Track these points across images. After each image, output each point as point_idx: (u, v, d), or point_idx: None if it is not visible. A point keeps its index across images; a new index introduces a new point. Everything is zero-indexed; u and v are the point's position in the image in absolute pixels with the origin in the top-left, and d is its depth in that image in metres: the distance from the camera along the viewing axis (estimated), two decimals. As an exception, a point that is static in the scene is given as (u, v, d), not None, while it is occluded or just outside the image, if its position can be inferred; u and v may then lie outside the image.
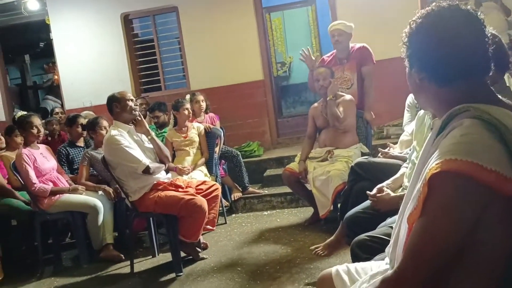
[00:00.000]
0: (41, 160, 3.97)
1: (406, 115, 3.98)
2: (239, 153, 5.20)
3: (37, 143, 4.11)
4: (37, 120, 4.09)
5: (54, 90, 8.39)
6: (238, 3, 6.30)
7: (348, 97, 4.15)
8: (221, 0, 6.33)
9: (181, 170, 4.13)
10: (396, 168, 2.74)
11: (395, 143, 3.72)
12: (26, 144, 4.02)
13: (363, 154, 4.02)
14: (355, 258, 2.05)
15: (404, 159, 2.96)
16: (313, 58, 4.38)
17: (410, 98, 3.94)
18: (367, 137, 4.39)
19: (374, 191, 2.26)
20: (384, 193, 2.18)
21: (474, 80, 1.20)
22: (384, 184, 2.31)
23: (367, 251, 2.01)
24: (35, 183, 3.82)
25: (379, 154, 3.35)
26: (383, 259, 1.55)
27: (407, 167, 2.55)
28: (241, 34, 6.32)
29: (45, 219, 3.98)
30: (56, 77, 8.16)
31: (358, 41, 4.53)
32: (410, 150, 2.74)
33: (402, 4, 5.58)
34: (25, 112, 4.36)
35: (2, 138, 4.33)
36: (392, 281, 1.17)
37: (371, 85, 4.44)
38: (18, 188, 4.16)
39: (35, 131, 3.99)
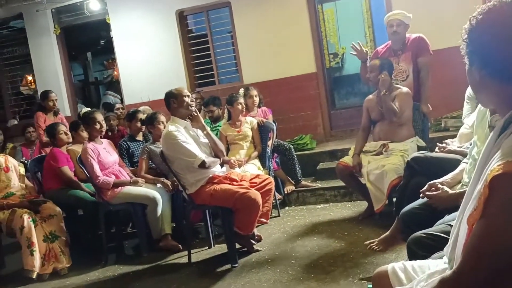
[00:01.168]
0: (104, 154, 4.19)
1: (466, 107, 3.83)
2: (291, 146, 5.22)
3: (100, 137, 4.34)
4: (100, 116, 4.31)
5: (114, 85, 8.78)
6: (290, -5, 6.29)
7: (404, 89, 4.05)
8: (273, -7, 6.34)
9: (233, 164, 4.22)
10: (455, 163, 2.67)
11: (454, 135, 3.60)
12: (91, 139, 4.25)
13: (419, 148, 3.93)
14: (412, 256, 2.03)
15: (463, 154, 2.88)
16: (365, 51, 4.32)
17: (470, 89, 3.79)
18: (424, 130, 4.27)
19: (426, 187, 2.20)
20: (440, 190, 2.13)
21: None
22: (437, 180, 2.25)
23: (424, 248, 1.98)
24: (99, 176, 4.04)
25: (437, 149, 3.27)
26: (441, 258, 1.53)
27: (467, 163, 2.48)
28: (293, 27, 6.30)
29: (108, 210, 4.20)
30: (115, 73, 8.53)
31: (414, 32, 4.41)
32: (470, 145, 2.65)
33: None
34: (89, 109, 4.59)
35: (69, 133, 4.59)
36: (450, 282, 1.16)
37: (428, 76, 4.31)
38: (84, 180, 4.41)
39: (98, 126, 4.21)
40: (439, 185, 2.15)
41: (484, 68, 1.22)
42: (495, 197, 1.07)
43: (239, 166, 4.38)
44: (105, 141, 4.39)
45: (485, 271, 1.09)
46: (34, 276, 3.79)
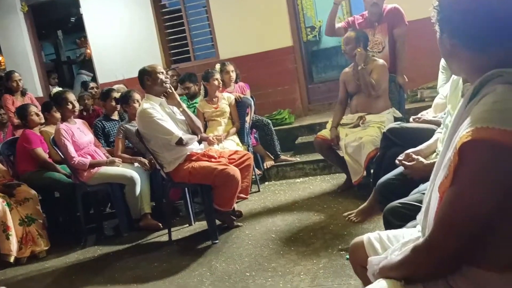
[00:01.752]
0: (78, 134, 4.10)
1: (441, 77, 3.85)
2: (270, 121, 5.21)
3: (74, 118, 4.24)
4: (71, 96, 4.20)
5: (87, 64, 8.55)
6: (265, -33, 6.17)
7: (380, 61, 4.05)
8: (248, -34, 6.21)
9: (211, 141, 4.19)
10: (430, 133, 2.68)
11: (430, 106, 3.62)
12: (64, 119, 4.15)
13: (396, 119, 3.95)
14: (388, 225, 2.06)
15: (438, 124, 2.89)
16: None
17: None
18: (400, 101, 4.29)
19: (402, 156, 2.21)
20: (415, 161, 2.14)
21: (508, 44, 1.15)
22: (412, 150, 2.27)
23: (400, 218, 2.00)
24: (74, 157, 3.97)
25: (411, 119, 3.29)
26: (415, 227, 1.55)
27: (441, 132, 2.49)
28: (268, 0, 6.20)
29: (85, 191, 4.15)
30: (88, 51, 8.30)
31: (389, 2, 4.37)
32: (444, 114, 2.67)
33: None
34: (61, 89, 4.47)
35: (41, 114, 4.47)
36: (423, 250, 1.18)
37: (404, 48, 4.31)
38: (59, 161, 4.33)
39: (70, 106, 4.10)
40: (414, 156, 2.16)
41: (454, 37, 1.21)
42: (465, 164, 1.07)
43: (218, 142, 4.35)
44: (79, 121, 4.30)
45: (456, 238, 1.10)
46: (12, 260, 3.75)
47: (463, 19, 1.18)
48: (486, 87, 1.14)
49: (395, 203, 2.10)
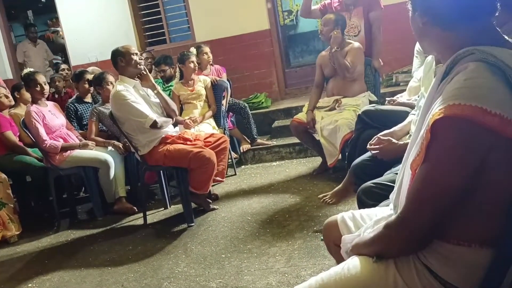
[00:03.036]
0: (50, 117, 4.00)
1: (415, 62, 3.89)
2: (246, 105, 5.19)
3: (44, 100, 4.13)
4: (41, 78, 4.08)
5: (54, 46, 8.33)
6: (242, -52, 6.08)
7: (356, 44, 4.06)
8: None
9: (188, 124, 4.15)
10: (404, 115, 2.71)
11: (404, 90, 3.67)
12: (34, 101, 4.04)
13: (371, 103, 3.98)
14: (361, 205, 2.08)
15: (412, 106, 2.93)
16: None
17: (419, 44, 3.84)
18: (376, 85, 4.33)
19: (374, 140, 2.24)
20: (385, 143, 2.16)
21: (479, 22, 1.16)
22: (385, 132, 2.29)
23: (373, 198, 2.03)
24: (45, 140, 3.87)
25: (386, 102, 3.32)
26: (388, 206, 1.57)
27: (414, 114, 2.53)
28: (245, -18, 6.13)
29: (58, 175, 4.06)
30: (60, 33, 8.07)
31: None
32: (418, 97, 2.70)
33: None
34: (31, 69, 4.33)
35: (10, 96, 4.34)
36: (395, 226, 1.19)
37: (379, 32, 4.33)
38: (30, 145, 4.22)
39: (38, 88, 4.00)
40: (383, 138, 2.18)
41: (426, 15, 1.22)
42: (437, 141, 1.08)
43: (194, 125, 4.31)
44: (50, 103, 4.19)
45: (428, 214, 1.12)
46: (-18, 245, 3.66)
47: None
48: (458, 65, 1.14)
49: (369, 183, 2.13)
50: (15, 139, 4.22)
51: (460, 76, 1.10)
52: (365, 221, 1.55)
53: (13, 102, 4.37)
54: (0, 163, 4.08)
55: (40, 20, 9.77)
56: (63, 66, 6.12)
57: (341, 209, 3.25)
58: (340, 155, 3.91)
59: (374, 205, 1.86)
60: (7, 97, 4.30)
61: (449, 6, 1.16)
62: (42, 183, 4.14)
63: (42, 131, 3.87)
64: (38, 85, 3.98)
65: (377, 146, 2.17)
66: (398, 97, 3.37)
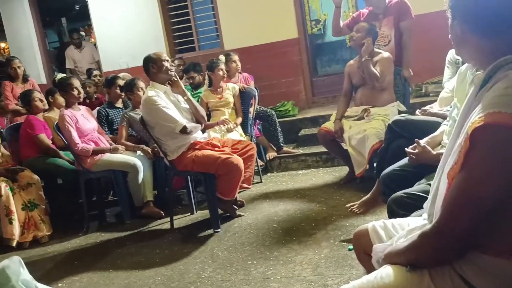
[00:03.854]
0: (82, 121, 4.11)
1: (447, 72, 3.85)
2: (273, 113, 5.21)
3: (78, 104, 4.24)
4: (76, 82, 4.20)
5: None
6: (272, -42, 6.13)
7: (385, 54, 4.04)
8: (255, -44, 6.17)
9: (224, 121, 4.21)
10: (435, 125, 2.69)
11: (434, 101, 3.63)
12: (68, 105, 4.15)
13: (400, 113, 3.93)
14: (392, 215, 2.06)
15: (443, 117, 2.89)
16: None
17: (451, 54, 3.80)
18: (405, 95, 4.29)
19: (411, 147, 2.23)
20: (421, 149, 2.16)
21: None
22: (422, 140, 2.27)
23: (404, 208, 2.01)
24: (77, 143, 3.97)
25: (417, 111, 3.28)
26: (420, 216, 1.55)
27: (447, 125, 2.50)
28: (275, -8, 6.18)
29: (88, 178, 4.16)
30: (92, 39, 8.29)
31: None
32: (450, 108, 2.67)
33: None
34: (65, 74, 4.46)
35: (44, 100, 4.47)
36: (431, 235, 1.18)
37: (410, 41, 4.29)
38: (62, 148, 4.33)
39: (75, 92, 4.11)
40: (422, 143, 2.17)
41: (466, 22, 1.21)
42: (476, 149, 1.07)
43: (228, 124, 4.32)
44: (83, 107, 4.30)
45: (465, 222, 1.10)
46: (14, 244, 3.75)
47: (475, 5, 1.18)
48: (498, 74, 1.13)
49: (400, 193, 2.11)
50: (48, 141, 4.33)
51: (500, 84, 1.09)
52: (397, 231, 1.54)
53: (47, 106, 4.50)
54: (33, 165, 4.20)
55: (74, 27, 10.05)
56: (95, 72, 6.28)
57: (368, 219, 3.23)
58: (368, 165, 3.87)
59: (405, 215, 1.84)
60: (41, 101, 4.43)
61: (491, 14, 1.15)
62: (73, 186, 4.24)
63: (74, 134, 3.97)
64: (75, 89, 4.09)
65: (414, 151, 2.17)
66: (429, 108, 3.33)
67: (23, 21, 7.10)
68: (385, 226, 1.59)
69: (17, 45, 7.18)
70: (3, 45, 7.88)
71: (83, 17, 8.63)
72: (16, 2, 7.06)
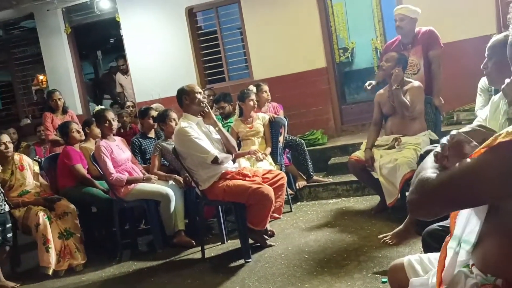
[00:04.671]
0: (117, 151, 4.23)
1: (479, 99, 3.81)
2: (303, 141, 5.23)
3: (113, 135, 4.38)
4: (110, 114, 4.35)
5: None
6: (299, -10, 6.28)
7: (416, 83, 4.03)
8: (282, -11, 6.33)
9: (255, 152, 4.26)
10: (469, 156, 2.65)
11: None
12: (103, 136, 4.29)
13: (432, 141, 3.91)
14: (427, 248, 2.03)
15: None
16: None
17: (483, 81, 3.77)
18: (436, 123, 4.25)
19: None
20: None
21: None
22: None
23: (439, 241, 1.96)
24: (112, 173, 4.08)
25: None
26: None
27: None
28: (302, 22, 6.29)
29: (122, 207, 4.25)
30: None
31: (426, 24, 4.39)
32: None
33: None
34: (102, 107, 4.63)
35: (81, 131, 4.64)
36: None
37: (439, 69, 4.29)
38: (97, 177, 4.45)
39: (107, 124, 4.25)
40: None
41: None
42: (493, 157, 1.07)
43: (257, 154, 4.38)
44: (117, 138, 4.44)
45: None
46: (50, 272, 3.85)
47: None
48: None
49: (434, 226, 2.08)
50: (84, 171, 4.47)
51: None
52: (433, 265, 1.52)
53: (83, 137, 4.66)
54: (69, 194, 4.33)
55: (108, 60, 10.45)
56: (128, 103, 6.48)
57: (401, 250, 3.17)
58: (399, 195, 3.83)
59: (440, 249, 1.81)
60: (78, 132, 4.60)
61: None
62: (107, 214, 4.34)
63: (110, 164, 4.09)
64: (107, 121, 4.24)
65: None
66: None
67: (62, 55, 7.44)
68: (421, 261, 1.58)
69: (55, 78, 7.49)
70: (41, 77, 8.21)
71: (117, 50, 8.96)
72: (56, 36, 7.41)
